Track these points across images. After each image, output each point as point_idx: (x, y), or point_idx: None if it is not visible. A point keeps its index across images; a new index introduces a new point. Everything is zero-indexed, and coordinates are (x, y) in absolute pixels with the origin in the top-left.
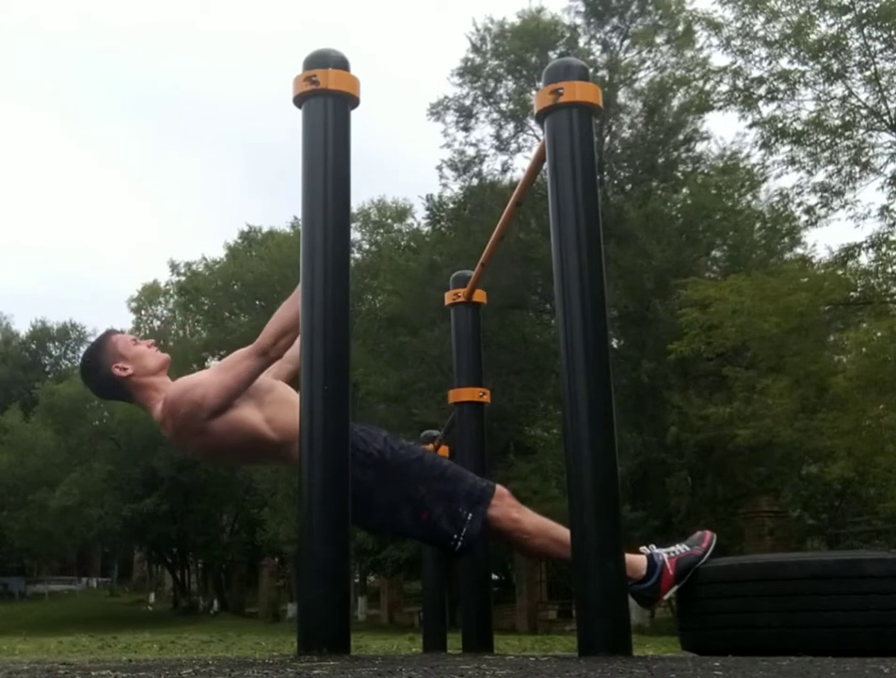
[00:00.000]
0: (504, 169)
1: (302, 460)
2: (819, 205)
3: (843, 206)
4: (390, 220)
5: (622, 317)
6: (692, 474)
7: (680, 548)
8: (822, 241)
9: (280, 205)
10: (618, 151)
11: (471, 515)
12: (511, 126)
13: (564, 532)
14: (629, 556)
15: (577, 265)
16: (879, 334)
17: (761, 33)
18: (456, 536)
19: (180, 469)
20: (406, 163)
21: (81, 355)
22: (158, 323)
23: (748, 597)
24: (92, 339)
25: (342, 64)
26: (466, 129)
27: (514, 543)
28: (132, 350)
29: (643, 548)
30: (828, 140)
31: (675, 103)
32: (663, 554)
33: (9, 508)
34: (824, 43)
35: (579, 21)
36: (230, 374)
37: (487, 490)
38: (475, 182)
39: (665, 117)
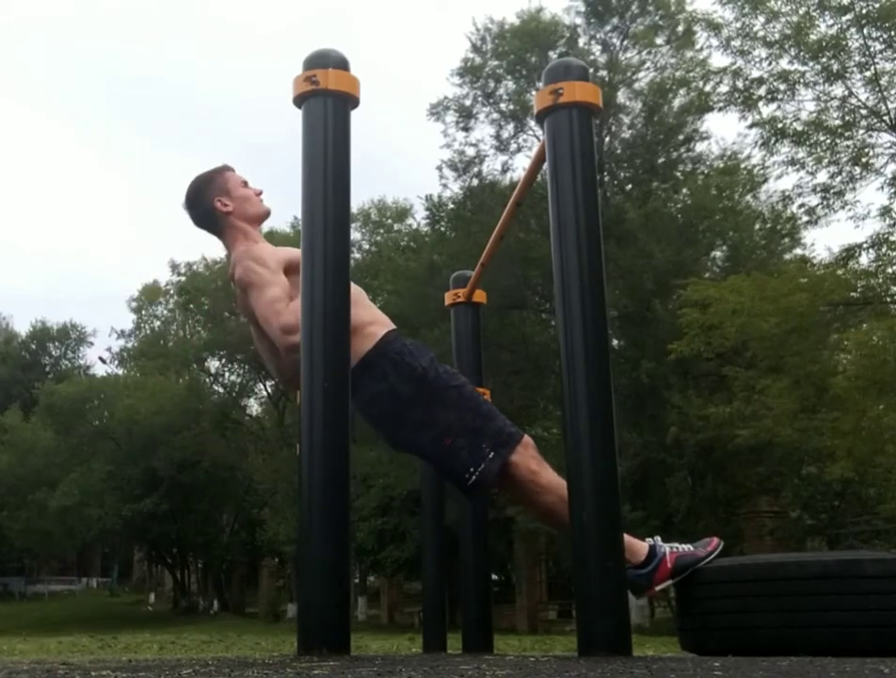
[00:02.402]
0: (504, 170)
1: (302, 460)
2: (820, 206)
3: (843, 207)
4: (390, 220)
5: (622, 317)
6: (692, 474)
7: (684, 546)
8: (822, 241)
9: (279, 205)
10: (618, 151)
11: (492, 454)
12: (511, 126)
13: None
14: (629, 540)
15: (577, 265)
16: (879, 334)
17: (761, 33)
18: (472, 469)
19: (180, 469)
20: (406, 163)
21: (191, 180)
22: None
23: (748, 597)
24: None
25: (342, 64)
26: (466, 129)
27: (524, 494)
28: (239, 191)
29: (648, 539)
30: (828, 141)
31: (675, 103)
32: (665, 547)
33: (9, 508)
34: (824, 44)
35: (579, 21)
36: (268, 308)
37: (514, 435)
38: (475, 182)
39: (665, 117)
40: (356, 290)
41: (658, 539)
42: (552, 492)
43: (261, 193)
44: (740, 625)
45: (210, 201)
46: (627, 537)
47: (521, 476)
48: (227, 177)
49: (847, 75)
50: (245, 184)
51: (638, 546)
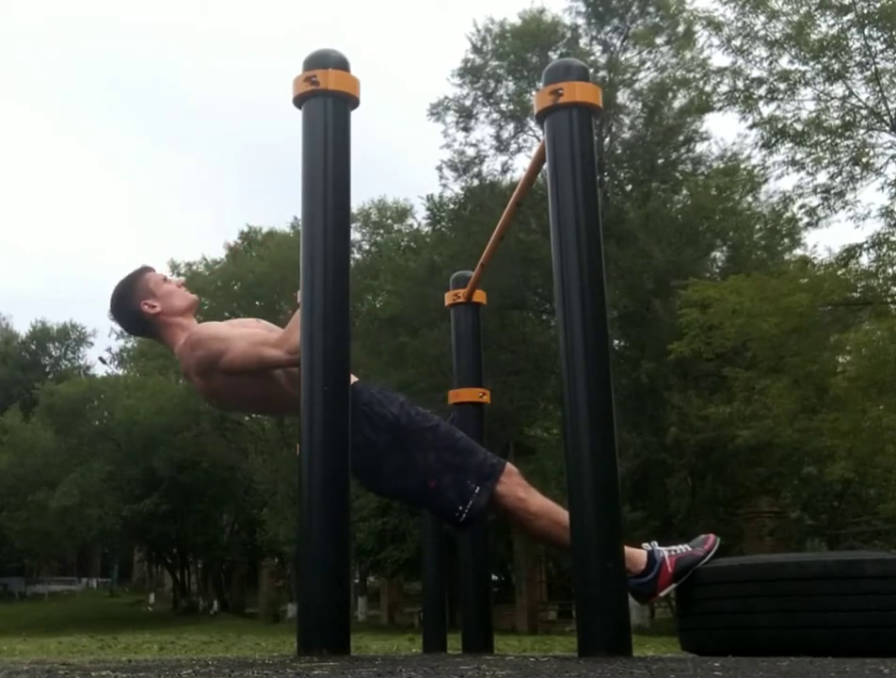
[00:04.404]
0: (504, 170)
1: (302, 460)
2: (820, 207)
3: (843, 207)
4: (390, 221)
5: (622, 317)
6: (692, 474)
7: (682, 548)
8: (822, 242)
9: (279, 205)
10: (618, 151)
11: (478, 489)
12: (511, 126)
13: (568, 516)
14: (628, 550)
15: (577, 265)
16: (879, 335)
17: (762, 33)
18: (461, 507)
19: (180, 469)
20: (406, 163)
21: (112, 289)
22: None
23: (748, 598)
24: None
25: (341, 64)
26: (466, 129)
27: (517, 523)
28: (162, 289)
29: (645, 545)
30: (828, 141)
31: (675, 104)
32: (664, 551)
33: (9, 508)
34: (825, 43)
35: (579, 21)
36: (256, 351)
37: (497, 466)
38: (475, 182)
39: (665, 118)
40: None
41: (655, 543)
42: (544, 516)
43: (183, 283)
44: (740, 626)
45: (136, 307)
46: (625, 547)
47: (510, 506)
48: (147, 278)
49: (847, 75)
50: (165, 279)
51: (637, 555)
